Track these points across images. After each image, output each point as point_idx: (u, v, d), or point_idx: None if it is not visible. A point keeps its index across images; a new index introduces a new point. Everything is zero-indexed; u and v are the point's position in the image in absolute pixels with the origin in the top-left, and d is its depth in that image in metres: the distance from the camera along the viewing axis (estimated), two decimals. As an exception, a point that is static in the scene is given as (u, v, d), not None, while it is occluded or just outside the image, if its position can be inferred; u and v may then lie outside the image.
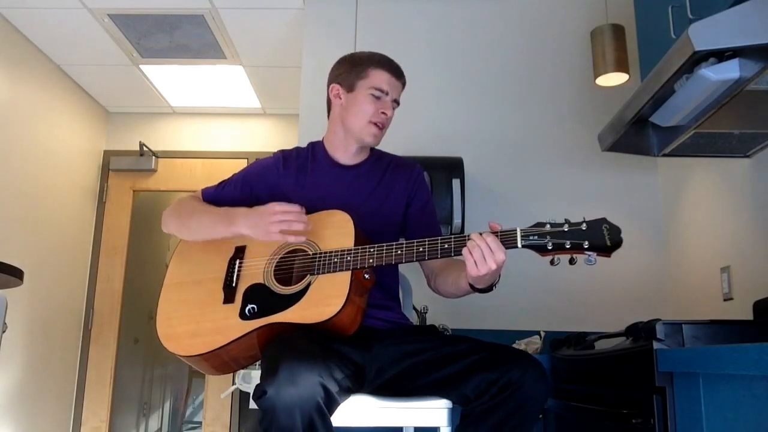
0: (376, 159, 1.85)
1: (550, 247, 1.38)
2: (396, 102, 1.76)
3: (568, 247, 1.37)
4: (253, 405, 2.60)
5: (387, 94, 1.73)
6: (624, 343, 1.66)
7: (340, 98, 1.77)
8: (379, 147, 1.87)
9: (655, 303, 2.84)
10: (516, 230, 1.41)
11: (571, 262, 1.39)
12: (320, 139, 1.87)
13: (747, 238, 2.26)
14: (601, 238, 1.36)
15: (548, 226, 1.40)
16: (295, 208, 1.57)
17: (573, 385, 2.05)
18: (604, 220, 1.38)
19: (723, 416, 1.23)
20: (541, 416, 2.28)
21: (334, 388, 1.31)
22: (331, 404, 1.31)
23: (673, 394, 1.41)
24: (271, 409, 1.24)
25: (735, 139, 2.11)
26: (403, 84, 1.79)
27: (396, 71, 1.76)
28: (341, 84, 1.77)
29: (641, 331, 1.54)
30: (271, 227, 1.55)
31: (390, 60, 1.78)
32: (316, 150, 1.83)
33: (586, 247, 1.36)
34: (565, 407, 2.09)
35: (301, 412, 1.24)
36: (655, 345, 1.45)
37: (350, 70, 1.76)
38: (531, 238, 1.39)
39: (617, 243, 1.36)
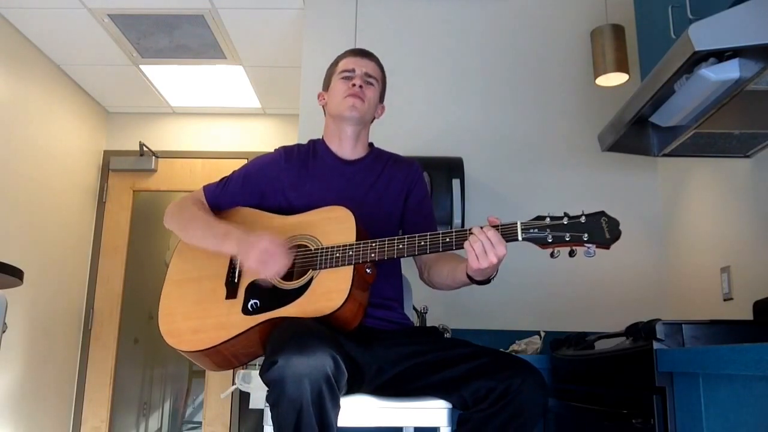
0: (376, 155, 1.89)
1: (550, 240, 1.41)
2: (368, 76, 1.82)
3: (567, 239, 1.41)
4: (253, 405, 2.60)
5: (353, 71, 1.81)
6: (624, 343, 1.66)
7: (324, 99, 1.89)
8: (380, 146, 1.92)
9: (655, 303, 2.84)
10: (516, 223, 1.44)
11: (571, 254, 1.42)
12: (320, 137, 1.91)
13: (747, 238, 2.26)
14: (600, 231, 1.40)
15: (548, 219, 1.43)
16: (279, 248, 1.54)
17: (573, 385, 2.05)
18: (602, 213, 1.42)
19: (723, 416, 1.23)
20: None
21: (343, 360, 1.30)
22: (340, 376, 1.30)
23: (673, 394, 1.40)
24: (280, 380, 1.24)
25: (735, 139, 2.11)
26: (375, 62, 1.86)
27: (358, 52, 1.88)
28: (323, 88, 1.91)
29: (641, 331, 1.53)
30: (251, 259, 1.54)
31: (355, 48, 1.91)
32: (317, 146, 1.88)
33: (585, 239, 1.40)
34: (565, 407, 2.09)
35: (311, 381, 1.24)
36: (655, 345, 1.45)
37: (327, 73, 1.90)
38: (531, 231, 1.43)
39: (616, 235, 1.39)
